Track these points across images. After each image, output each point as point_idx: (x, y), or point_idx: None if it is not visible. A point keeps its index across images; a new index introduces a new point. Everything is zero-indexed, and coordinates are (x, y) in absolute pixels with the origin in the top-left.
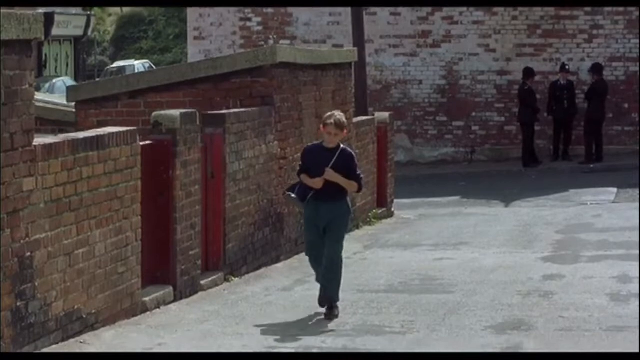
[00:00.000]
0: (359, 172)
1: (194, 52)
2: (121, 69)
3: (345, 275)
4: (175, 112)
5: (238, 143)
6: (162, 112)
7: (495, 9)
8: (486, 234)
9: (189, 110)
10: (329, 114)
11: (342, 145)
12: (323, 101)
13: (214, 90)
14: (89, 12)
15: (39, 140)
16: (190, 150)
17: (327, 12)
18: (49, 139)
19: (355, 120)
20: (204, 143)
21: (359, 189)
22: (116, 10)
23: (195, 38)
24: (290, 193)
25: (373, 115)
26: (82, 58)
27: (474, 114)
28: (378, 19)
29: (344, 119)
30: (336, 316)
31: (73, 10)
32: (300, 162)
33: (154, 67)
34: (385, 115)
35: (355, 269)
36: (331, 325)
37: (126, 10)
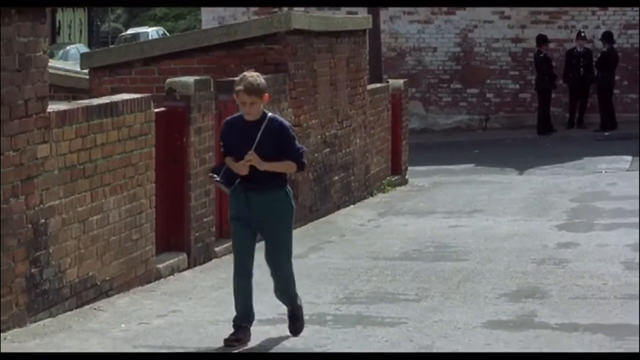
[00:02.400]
0: (298, 146)
1: (208, 19)
2: (135, 36)
3: (359, 242)
4: (190, 79)
5: None
6: (176, 79)
7: None
8: (500, 202)
9: (203, 77)
10: (239, 76)
11: (269, 115)
12: (337, 68)
13: (228, 57)
14: None
15: (53, 106)
16: (204, 117)
17: None
18: (63, 106)
19: (369, 87)
20: (217, 110)
21: (300, 168)
22: None
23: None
24: (214, 175)
25: (387, 82)
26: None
27: (488, 81)
28: None
29: (259, 80)
30: (301, 327)
31: None
32: (221, 140)
33: (167, 34)
34: (399, 82)
35: (369, 236)
36: (345, 292)
37: None
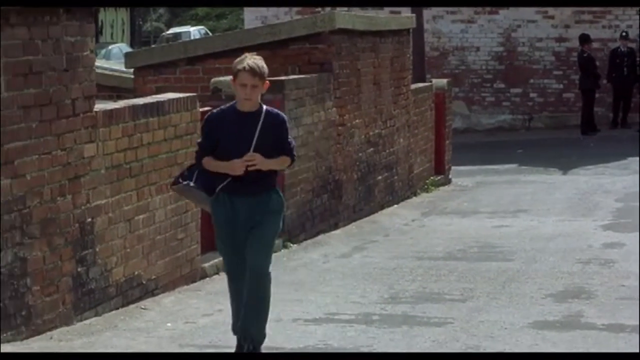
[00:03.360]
0: (290, 141)
1: (250, 18)
2: (177, 35)
3: (403, 242)
4: None
5: (297, 109)
6: (222, 78)
7: None
8: (545, 202)
9: None
10: (240, 57)
11: (265, 106)
12: (381, 68)
13: (272, 57)
14: None
15: (100, 106)
16: None
17: None
18: (110, 105)
19: (412, 87)
20: None
21: (292, 161)
22: None
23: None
24: (188, 182)
25: (431, 82)
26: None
27: (531, 80)
28: None
29: (262, 63)
30: None
31: None
32: (202, 138)
33: (209, 33)
34: (443, 82)
35: (413, 235)
36: (391, 292)
37: None
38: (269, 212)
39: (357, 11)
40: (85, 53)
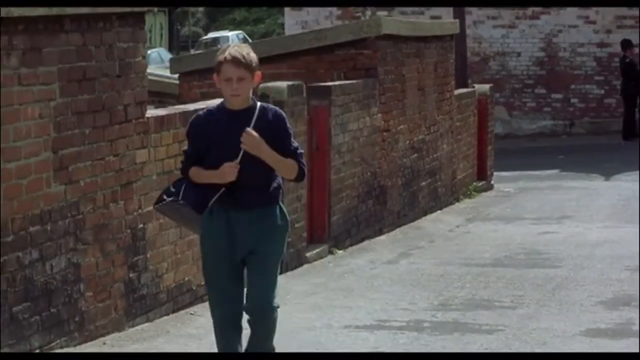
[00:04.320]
0: (295, 145)
1: (291, 23)
2: (215, 40)
3: (450, 248)
4: (283, 84)
5: (343, 115)
6: (269, 84)
7: None
8: (588, 208)
9: (296, 82)
10: (222, 48)
11: (259, 103)
12: (425, 73)
13: (317, 62)
14: None
15: (151, 112)
16: (297, 122)
17: None
18: (161, 111)
19: (456, 92)
20: (309, 115)
21: (301, 174)
22: None
23: (292, 9)
24: (175, 199)
25: (473, 87)
26: (176, 29)
27: (573, 86)
28: None
29: (248, 51)
30: None
31: None
32: (187, 146)
33: (247, 38)
34: (485, 87)
35: (459, 242)
36: (440, 299)
37: None
38: (272, 231)
39: (396, 15)
40: (137, 59)
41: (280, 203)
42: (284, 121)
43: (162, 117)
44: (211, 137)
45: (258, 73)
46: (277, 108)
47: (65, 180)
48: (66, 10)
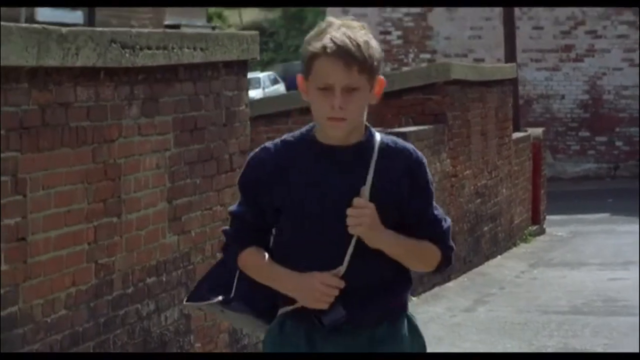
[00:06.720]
0: (438, 213)
1: None
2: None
3: (521, 294)
4: None
5: None
6: None
7: None
8: None
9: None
10: (318, 27)
11: (379, 136)
12: (487, 118)
13: (385, 107)
14: (212, 25)
15: None
16: None
17: (468, 26)
18: None
19: (514, 136)
20: None
21: (447, 261)
22: (236, 21)
23: None
24: (220, 299)
25: (526, 131)
26: None
27: (617, 129)
28: (520, 33)
29: (367, 39)
30: None
31: (198, 22)
32: (238, 205)
33: (279, 78)
34: (538, 131)
35: (529, 288)
36: (532, 347)
37: (246, 21)
38: None
39: (440, 58)
40: (241, 107)
41: (411, 313)
42: (424, 171)
43: None
44: (289, 191)
45: (381, 79)
46: (410, 146)
47: (178, 231)
48: (182, 59)
